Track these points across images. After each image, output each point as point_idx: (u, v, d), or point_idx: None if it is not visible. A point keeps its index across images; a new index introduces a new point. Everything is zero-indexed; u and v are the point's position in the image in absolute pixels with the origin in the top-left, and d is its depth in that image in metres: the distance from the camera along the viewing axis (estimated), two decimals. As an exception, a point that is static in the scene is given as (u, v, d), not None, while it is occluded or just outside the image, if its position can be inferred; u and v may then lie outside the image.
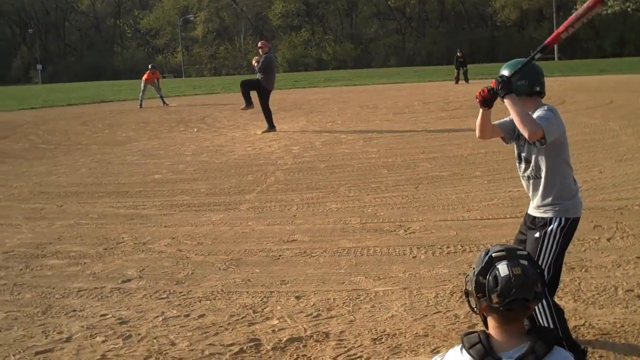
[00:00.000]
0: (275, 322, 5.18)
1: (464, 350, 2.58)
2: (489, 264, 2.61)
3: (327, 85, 43.18)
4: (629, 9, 70.63)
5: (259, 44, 18.65)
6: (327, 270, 6.41)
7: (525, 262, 2.60)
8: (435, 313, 5.21)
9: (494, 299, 2.55)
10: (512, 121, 4.21)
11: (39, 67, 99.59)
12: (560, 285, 5.58)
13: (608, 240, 6.87)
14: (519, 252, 2.65)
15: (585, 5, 4.10)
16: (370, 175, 11.18)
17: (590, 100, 22.53)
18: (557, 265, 4.27)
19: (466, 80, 37.84)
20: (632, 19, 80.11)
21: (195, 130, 20.04)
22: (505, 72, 4.17)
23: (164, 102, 32.27)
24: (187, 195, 10.28)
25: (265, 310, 5.44)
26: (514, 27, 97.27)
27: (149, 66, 33.89)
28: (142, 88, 32.32)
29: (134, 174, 12.54)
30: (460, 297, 5.49)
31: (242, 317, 5.29)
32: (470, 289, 2.66)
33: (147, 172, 12.59)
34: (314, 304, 5.52)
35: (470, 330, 3.53)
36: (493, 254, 2.63)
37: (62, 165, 14.01)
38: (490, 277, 2.58)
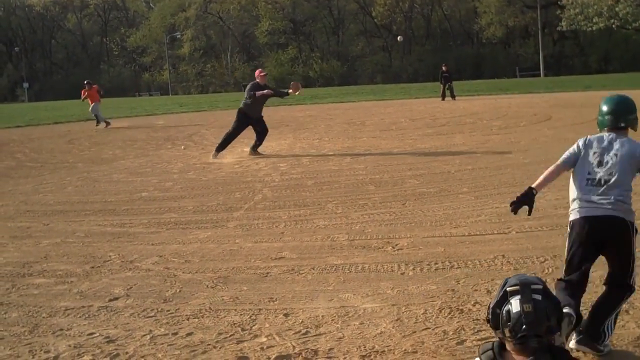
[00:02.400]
0: (263, 339, 5.16)
1: (477, 356, 2.69)
2: (504, 298, 2.67)
3: (314, 103, 43.23)
4: (613, 26, 71.21)
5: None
6: (316, 287, 6.39)
7: (538, 297, 2.63)
8: (423, 329, 5.20)
9: (507, 332, 2.62)
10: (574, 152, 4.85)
11: (25, 85, 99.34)
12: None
13: (595, 255, 6.88)
14: (533, 287, 2.67)
15: None
16: (358, 192, 11.19)
17: (577, 116, 22.64)
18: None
19: (452, 96, 37.63)
20: (617, 36, 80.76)
21: (182, 147, 20.01)
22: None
23: (99, 122, 29.95)
24: (174, 213, 10.26)
25: (253, 328, 5.42)
26: (499, 44, 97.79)
27: (85, 83, 31.17)
28: (94, 110, 30.04)
29: (120, 191, 12.50)
30: (449, 313, 5.49)
31: (230, 335, 5.27)
32: (488, 317, 2.73)
33: (134, 190, 12.55)
34: (302, 321, 5.50)
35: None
36: (508, 288, 2.68)
37: (49, 184, 13.95)
38: (504, 311, 2.64)
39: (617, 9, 69.38)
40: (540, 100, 31.69)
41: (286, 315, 5.67)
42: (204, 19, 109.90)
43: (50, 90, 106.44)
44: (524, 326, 2.56)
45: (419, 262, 7.01)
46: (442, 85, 38.45)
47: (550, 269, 6.50)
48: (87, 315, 5.89)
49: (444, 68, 38.27)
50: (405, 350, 4.83)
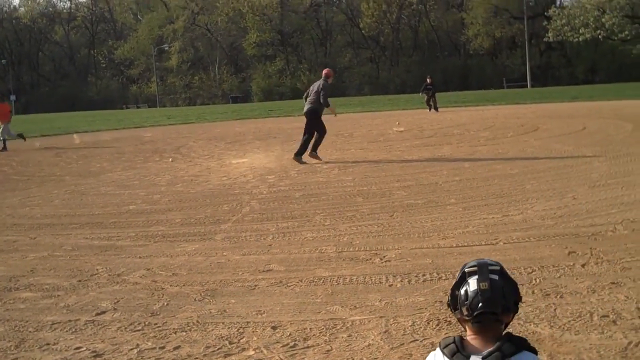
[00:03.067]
0: (251, 352, 5.14)
1: (438, 349, 2.72)
2: (462, 279, 2.75)
3: (302, 115, 43.34)
4: (599, 37, 71.67)
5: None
6: (303, 299, 6.38)
7: (495, 277, 2.70)
8: (412, 342, 5.20)
9: (464, 311, 2.70)
10: None
11: (12, 98, 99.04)
12: (536, 311, 5.63)
13: (582, 266, 6.90)
14: (490, 267, 2.73)
15: None
16: (346, 204, 11.19)
17: (564, 127, 22.78)
18: None
19: (436, 108, 37.76)
20: (603, 47, 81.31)
21: (170, 160, 19.98)
22: None
23: (5, 147, 27.47)
24: (162, 226, 10.23)
25: (241, 341, 5.40)
26: (487, 55, 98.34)
27: None
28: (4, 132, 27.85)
29: (108, 204, 12.46)
30: (437, 324, 5.49)
31: (218, 349, 5.25)
32: (448, 301, 2.82)
33: (121, 203, 12.51)
34: (290, 334, 5.49)
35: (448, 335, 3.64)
36: (466, 269, 2.76)
37: (36, 197, 13.89)
38: (462, 291, 2.72)
39: (603, 19, 69.94)
40: (527, 111, 31.84)
41: (274, 328, 5.65)
42: (191, 30, 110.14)
43: (37, 102, 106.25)
44: (480, 304, 2.63)
45: (406, 273, 7.01)
46: (426, 96, 38.61)
47: (537, 280, 6.50)
48: (74, 330, 5.86)
49: (428, 80, 38.40)
50: (393, 362, 4.83)
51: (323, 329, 5.56)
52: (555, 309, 5.70)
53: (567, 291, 6.15)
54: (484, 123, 26.94)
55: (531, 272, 6.80)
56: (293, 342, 5.31)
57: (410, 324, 5.56)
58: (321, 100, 17.12)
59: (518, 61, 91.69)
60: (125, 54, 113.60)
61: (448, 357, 2.66)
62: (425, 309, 5.91)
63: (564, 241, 7.78)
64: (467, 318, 2.68)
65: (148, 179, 15.96)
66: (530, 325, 5.36)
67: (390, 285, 6.66)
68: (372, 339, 5.28)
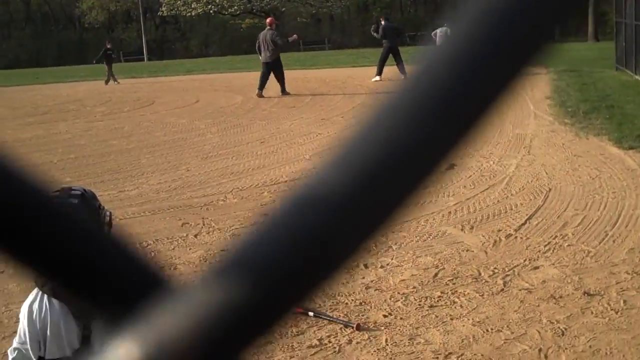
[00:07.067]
0: None
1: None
2: None
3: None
4: (211, 12, 74.26)
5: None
6: None
7: (75, 201, 2.71)
8: None
9: None
10: None
11: None
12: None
13: (195, 236, 7.19)
14: (72, 192, 2.76)
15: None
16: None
17: (178, 101, 23.22)
18: None
19: (115, 79, 33.31)
20: (215, 21, 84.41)
21: None
22: None
23: None
24: None
25: None
26: (102, 29, 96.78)
27: None
28: None
29: None
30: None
31: None
32: None
33: None
34: None
35: None
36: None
37: None
38: None
39: (213, -5, 72.53)
40: (144, 85, 31.99)
41: None
42: None
43: None
44: None
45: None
46: (107, 66, 33.60)
47: (153, 254, 6.61)
48: None
49: (108, 46, 34.48)
50: None
51: None
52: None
53: (181, 262, 6.37)
54: (101, 98, 26.49)
55: (147, 247, 6.91)
56: None
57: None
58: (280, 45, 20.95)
59: (134, 35, 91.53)
60: None
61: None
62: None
63: (177, 213, 8.03)
64: None
65: None
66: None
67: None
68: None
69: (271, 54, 20.61)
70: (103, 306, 0.30)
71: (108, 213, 2.92)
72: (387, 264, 6.23)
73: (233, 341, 0.26)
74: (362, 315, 5.23)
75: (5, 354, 2.97)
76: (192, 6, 73.15)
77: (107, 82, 33.06)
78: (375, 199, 0.27)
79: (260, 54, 21.10)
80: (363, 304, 5.43)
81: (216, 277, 0.25)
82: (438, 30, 26.36)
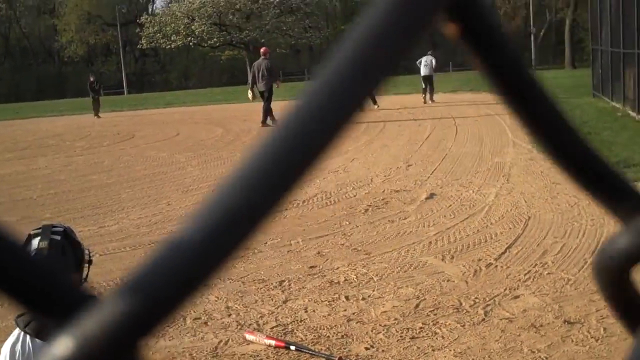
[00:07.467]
0: None
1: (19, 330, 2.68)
2: (27, 241, 2.72)
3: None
4: (191, 44, 74.46)
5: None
6: None
7: (57, 237, 2.74)
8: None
9: None
10: None
11: None
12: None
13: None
14: (53, 229, 2.79)
15: None
16: None
17: (158, 134, 23.22)
18: None
19: (96, 112, 33.36)
20: (194, 53, 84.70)
21: None
22: None
23: None
24: None
25: None
26: (82, 62, 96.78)
27: None
28: None
29: None
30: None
31: None
32: None
33: None
34: None
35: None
36: (31, 232, 2.76)
37: None
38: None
39: (193, 27, 72.81)
40: (124, 119, 31.99)
41: None
42: None
43: None
44: None
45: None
46: (92, 100, 34.09)
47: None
48: None
49: (91, 79, 34.61)
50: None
51: None
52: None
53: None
54: (80, 132, 26.42)
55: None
56: None
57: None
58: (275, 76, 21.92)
59: (114, 68, 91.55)
60: None
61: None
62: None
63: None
64: None
65: None
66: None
67: None
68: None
69: (265, 82, 20.97)
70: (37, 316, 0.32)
71: (87, 251, 2.93)
72: (369, 296, 6.25)
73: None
74: (344, 348, 5.23)
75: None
76: (172, 39, 73.40)
77: (96, 114, 33.23)
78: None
79: (256, 83, 21.36)
80: (345, 336, 5.44)
81: (116, 296, 0.28)
82: (423, 59, 26.74)
